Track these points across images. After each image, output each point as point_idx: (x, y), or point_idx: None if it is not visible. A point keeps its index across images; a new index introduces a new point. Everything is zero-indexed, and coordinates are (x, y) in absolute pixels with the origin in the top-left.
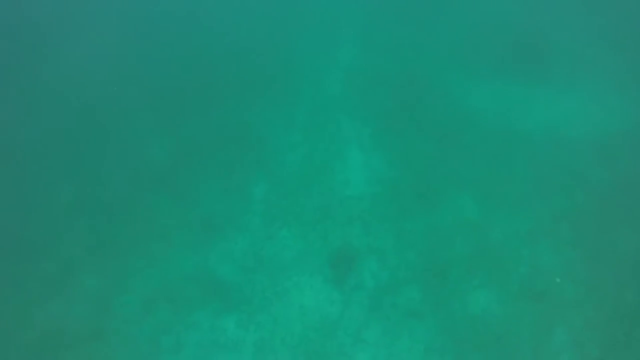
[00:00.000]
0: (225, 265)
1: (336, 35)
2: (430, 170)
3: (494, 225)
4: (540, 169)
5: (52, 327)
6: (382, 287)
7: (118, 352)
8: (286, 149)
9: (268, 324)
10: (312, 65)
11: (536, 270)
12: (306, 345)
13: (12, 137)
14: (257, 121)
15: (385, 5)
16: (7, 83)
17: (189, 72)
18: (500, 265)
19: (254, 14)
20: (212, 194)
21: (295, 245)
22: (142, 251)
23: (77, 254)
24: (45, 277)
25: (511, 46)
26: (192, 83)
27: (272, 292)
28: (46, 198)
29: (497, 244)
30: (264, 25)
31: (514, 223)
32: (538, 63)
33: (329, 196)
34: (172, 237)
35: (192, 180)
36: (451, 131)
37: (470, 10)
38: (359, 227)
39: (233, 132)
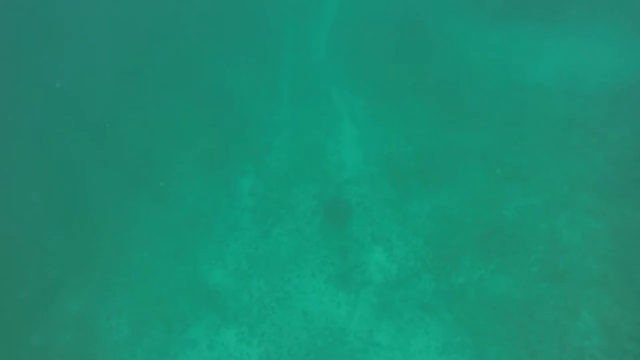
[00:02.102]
0: (217, 272)
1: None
2: (432, 141)
3: (507, 200)
4: (555, 130)
5: None
6: (391, 281)
7: None
8: (272, 131)
9: (272, 335)
10: (293, 25)
11: (556, 247)
12: (316, 355)
13: None
14: (237, 98)
15: None
16: None
17: (162, 46)
18: (518, 245)
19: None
20: (195, 191)
21: (292, 242)
22: (126, 265)
23: (54, 276)
24: (22, 307)
25: None
26: (166, 58)
27: (272, 299)
28: (13, 212)
29: (512, 222)
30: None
31: (528, 196)
32: (549, 6)
33: (323, 182)
34: (156, 244)
35: (172, 175)
36: (454, 92)
37: None
38: (360, 216)
39: (212, 113)
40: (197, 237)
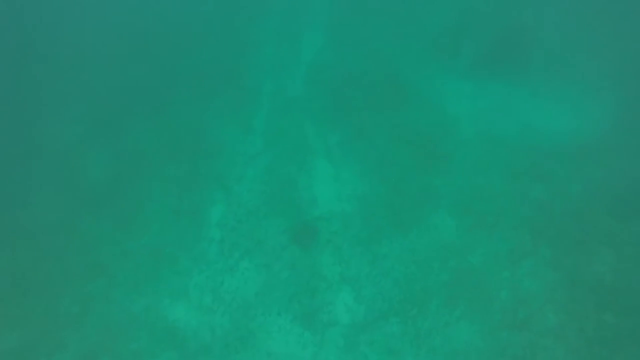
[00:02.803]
0: (178, 307)
1: (299, 23)
2: (404, 183)
3: (473, 246)
4: (519, 182)
5: None
6: (358, 323)
7: None
8: (245, 161)
9: None
10: (271, 59)
11: (517, 295)
12: None
13: None
14: (211, 126)
15: None
16: None
17: (130, 67)
18: (482, 291)
19: (212, 1)
20: (160, 218)
21: (259, 278)
22: (76, 293)
23: None
24: None
25: (491, 42)
26: (134, 80)
27: (236, 337)
28: None
29: (477, 268)
30: (219, 13)
31: (493, 243)
32: (517, 61)
33: (294, 217)
34: (114, 272)
35: (136, 200)
36: (426, 137)
37: (452, 2)
38: (330, 253)
39: (183, 139)
40: (159, 268)
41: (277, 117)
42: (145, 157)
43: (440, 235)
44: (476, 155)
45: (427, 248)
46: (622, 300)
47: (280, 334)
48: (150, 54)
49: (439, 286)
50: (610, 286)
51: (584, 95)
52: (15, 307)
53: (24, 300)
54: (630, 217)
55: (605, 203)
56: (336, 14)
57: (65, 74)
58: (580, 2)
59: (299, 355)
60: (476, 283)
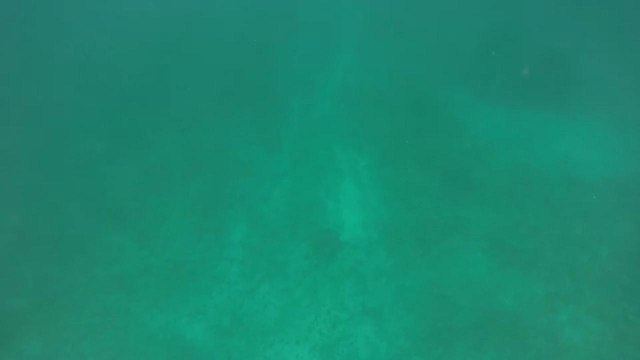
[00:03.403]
0: (196, 326)
1: (330, 40)
2: (434, 213)
3: (506, 286)
4: (558, 217)
5: None
6: (379, 359)
7: None
8: (271, 181)
9: None
10: (301, 77)
11: (556, 346)
12: None
13: None
14: (237, 143)
15: (389, 14)
16: None
17: (157, 82)
18: (514, 337)
19: (244, 17)
20: (183, 234)
21: (279, 303)
22: (97, 305)
23: (16, 309)
24: None
25: (527, 64)
26: (161, 96)
27: None
28: None
29: (510, 311)
30: (253, 30)
31: (529, 284)
32: (553, 88)
33: (319, 242)
34: (134, 287)
35: (160, 216)
36: (458, 165)
37: (485, 25)
38: (353, 283)
39: (209, 156)
40: (179, 285)
41: (304, 137)
42: (170, 173)
43: (470, 271)
44: (511, 186)
45: (455, 283)
46: None
47: None
48: (178, 69)
49: (467, 326)
50: None
51: (626, 124)
52: (40, 315)
53: (49, 308)
54: None
55: None
56: (368, 33)
57: (92, 89)
58: (618, 30)
59: None
60: (508, 327)
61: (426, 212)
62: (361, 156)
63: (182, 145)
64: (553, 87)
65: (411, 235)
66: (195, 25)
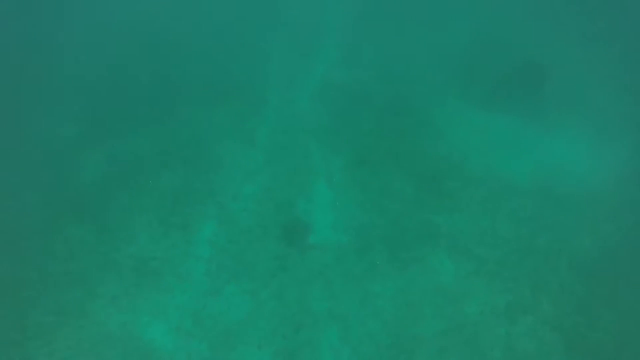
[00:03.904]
0: (156, 326)
1: (312, 36)
2: (405, 218)
3: (470, 295)
4: (525, 228)
5: None
6: None
7: None
8: (243, 177)
9: None
10: (281, 72)
11: (511, 355)
12: None
13: None
14: (211, 137)
15: (373, 12)
16: None
17: (134, 70)
18: (474, 347)
19: (225, 9)
20: (148, 230)
21: (244, 305)
22: (52, 303)
23: None
24: None
25: (507, 72)
26: (136, 83)
27: None
28: None
29: (472, 320)
30: (230, 21)
31: (492, 294)
32: (532, 95)
33: (287, 244)
34: (93, 284)
35: (126, 208)
36: (432, 171)
37: (468, 28)
38: (320, 286)
39: (181, 148)
40: (141, 283)
41: (280, 133)
42: (140, 163)
43: (437, 279)
44: (482, 195)
45: (421, 291)
46: None
47: None
48: (156, 58)
49: (430, 335)
50: (611, 356)
51: (600, 137)
52: None
53: (1, 306)
54: None
55: (616, 262)
56: (351, 29)
57: (66, 69)
58: (599, 41)
59: None
60: (469, 337)
61: (398, 218)
62: (337, 156)
63: (155, 136)
64: (530, 96)
65: (381, 240)
66: (174, 16)
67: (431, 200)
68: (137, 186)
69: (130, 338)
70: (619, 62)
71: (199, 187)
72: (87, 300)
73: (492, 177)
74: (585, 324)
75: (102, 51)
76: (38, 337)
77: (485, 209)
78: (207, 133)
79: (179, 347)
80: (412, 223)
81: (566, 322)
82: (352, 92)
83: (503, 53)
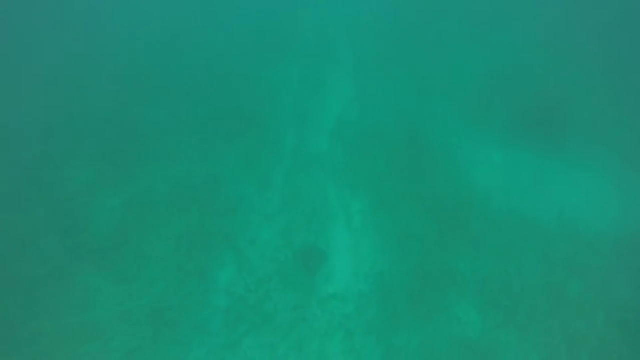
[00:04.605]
0: None
1: (326, 70)
2: (428, 264)
3: (500, 350)
4: (554, 275)
5: None
6: None
7: None
8: (260, 221)
9: None
10: (297, 111)
11: None
12: None
13: None
14: (227, 178)
15: (387, 46)
16: None
17: (146, 109)
18: None
19: (237, 44)
20: (165, 277)
21: None
22: (68, 356)
23: None
24: None
25: (526, 108)
26: (149, 123)
27: None
28: None
29: None
30: (242, 55)
31: (524, 349)
32: (553, 131)
33: (307, 293)
34: (110, 336)
35: (141, 254)
36: (454, 213)
37: (486, 62)
38: (341, 340)
39: (197, 191)
40: (157, 334)
41: (297, 174)
42: (155, 207)
43: (463, 331)
44: (507, 238)
45: (447, 345)
46: None
47: None
48: (168, 96)
49: None
50: None
51: (625, 174)
52: None
53: (9, 359)
54: None
55: None
56: (365, 64)
57: (80, 113)
58: (622, 72)
59: None
60: None
61: (420, 263)
62: (355, 198)
63: (169, 177)
64: (552, 132)
65: (404, 288)
66: (186, 51)
67: (454, 244)
68: (152, 230)
69: None
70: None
71: (215, 231)
72: (104, 353)
73: (516, 218)
74: None
75: (111, 90)
76: None
77: (511, 254)
78: (222, 173)
79: None
80: (436, 269)
81: None
82: (368, 130)
83: (518, 88)
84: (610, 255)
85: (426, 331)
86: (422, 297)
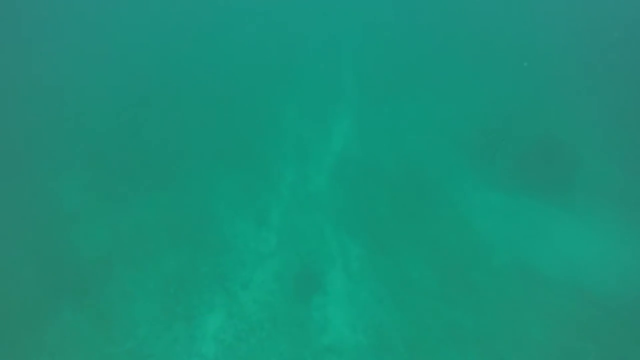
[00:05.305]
0: None
1: (331, 111)
2: (428, 317)
3: None
4: (564, 333)
5: None
6: None
7: None
8: (254, 262)
9: None
10: (297, 146)
11: None
12: None
13: None
14: (220, 213)
15: (390, 81)
16: None
17: (142, 136)
18: None
19: (237, 75)
20: (150, 319)
21: None
22: None
23: None
24: None
25: (532, 152)
26: (144, 150)
27: None
28: None
29: None
30: (242, 86)
31: None
32: (559, 172)
33: (300, 344)
34: None
35: (126, 293)
36: (455, 261)
37: (492, 103)
38: None
39: (188, 225)
40: None
41: (295, 213)
42: (144, 240)
43: None
44: (512, 292)
45: None
46: None
47: None
48: (164, 124)
49: None
50: None
51: (634, 228)
52: None
53: None
54: None
55: None
56: (368, 99)
57: (68, 138)
58: (628, 114)
59: None
60: None
61: (421, 315)
62: (354, 241)
63: (160, 208)
64: (557, 179)
65: (403, 342)
66: (185, 79)
67: (456, 295)
68: (139, 265)
69: None
70: None
71: (206, 271)
72: None
73: (521, 270)
74: None
75: (106, 118)
76: None
77: (516, 308)
78: (216, 207)
79: None
80: (437, 322)
81: None
82: (369, 170)
83: (521, 130)
84: (621, 315)
85: None
86: (422, 353)
